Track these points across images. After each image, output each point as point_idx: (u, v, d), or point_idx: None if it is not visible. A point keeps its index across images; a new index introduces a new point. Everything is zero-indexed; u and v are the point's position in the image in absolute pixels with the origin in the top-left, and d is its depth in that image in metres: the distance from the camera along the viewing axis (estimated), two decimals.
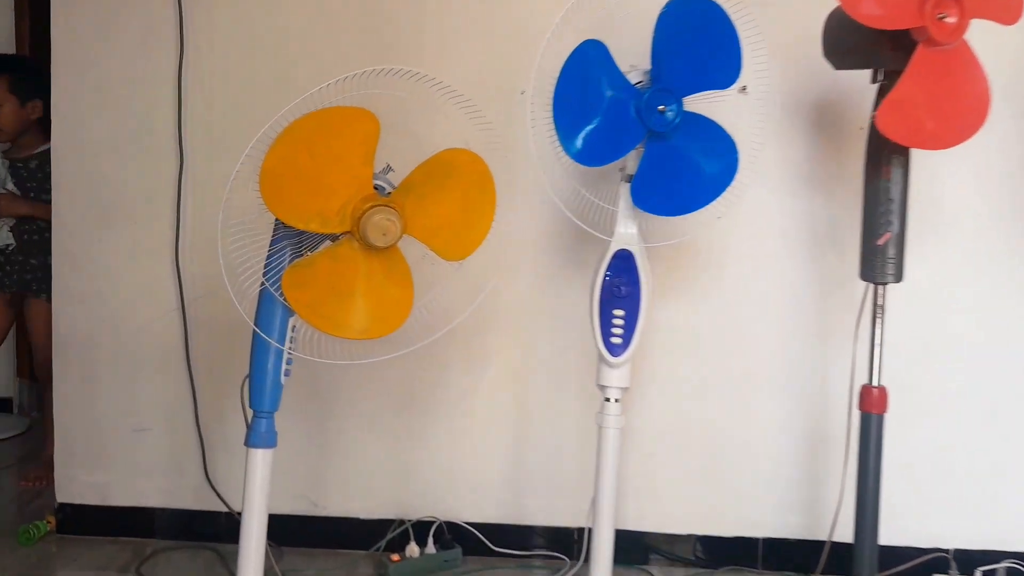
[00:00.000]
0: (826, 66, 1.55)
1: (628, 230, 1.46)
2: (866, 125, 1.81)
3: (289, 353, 1.25)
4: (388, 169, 1.29)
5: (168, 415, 1.96)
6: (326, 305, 1.22)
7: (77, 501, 1.99)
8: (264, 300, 1.23)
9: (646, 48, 1.39)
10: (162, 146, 1.91)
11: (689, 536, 1.93)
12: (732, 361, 1.88)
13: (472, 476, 1.94)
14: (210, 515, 1.96)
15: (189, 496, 1.97)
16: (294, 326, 1.27)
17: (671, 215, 1.44)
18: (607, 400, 1.45)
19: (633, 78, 1.38)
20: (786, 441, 1.89)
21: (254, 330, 1.22)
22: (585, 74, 1.31)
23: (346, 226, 1.20)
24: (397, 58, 1.28)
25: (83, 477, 1.98)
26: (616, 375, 1.43)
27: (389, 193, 1.26)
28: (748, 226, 1.83)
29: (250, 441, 1.26)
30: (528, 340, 1.91)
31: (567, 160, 1.37)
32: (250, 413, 1.28)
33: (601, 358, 1.43)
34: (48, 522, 1.98)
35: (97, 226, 1.94)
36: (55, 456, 1.99)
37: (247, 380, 1.27)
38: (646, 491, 1.90)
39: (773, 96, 1.43)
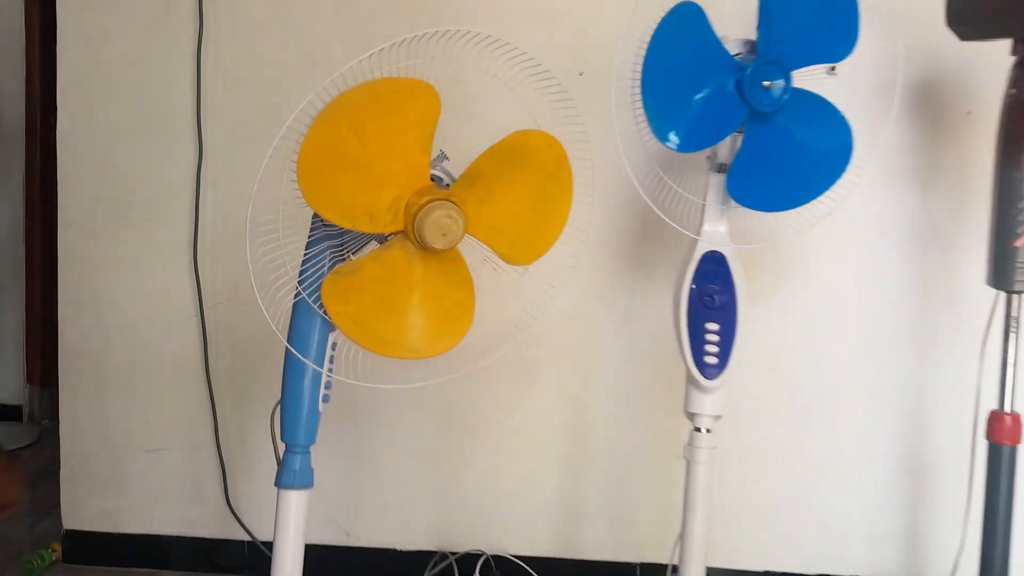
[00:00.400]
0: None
1: (718, 228, 1.25)
2: (974, 110, 1.61)
3: (329, 376, 1.04)
4: (443, 157, 1.08)
5: (186, 434, 1.77)
6: (374, 319, 1.02)
7: (85, 528, 1.80)
8: (300, 313, 1.03)
9: (743, 15, 1.18)
10: (179, 134, 1.72)
11: (764, 573, 1.71)
12: (817, 377, 1.67)
13: (523, 505, 1.73)
14: (232, 545, 1.77)
15: (209, 524, 1.78)
16: (334, 343, 1.06)
17: (773, 210, 1.22)
18: (697, 430, 1.23)
19: (731, 49, 1.16)
20: (880, 469, 1.67)
21: (287, 349, 1.01)
22: (680, 42, 1.10)
23: (399, 225, 0.99)
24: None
25: (92, 502, 1.80)
26: (709, 401, 1.21)
27: (448, 185, 1.05)
28: (837, 226, 1.61)
29: (282, 481, 1.06)
30: (585, 352, 1.70)
31: (652, 145, 1.16)
32: (281, 447, 1.08)
33: (691, 381, 1.21)
34: (53, 551, 1.79)
35: (107, 224, 1.75)
36: (61, 478, 1.81)
37: (278, 407, 1.07)
38: (717, 522, 1.68)
39: (896, 75, 1.21)
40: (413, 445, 1.73)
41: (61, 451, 1.80)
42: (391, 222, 0.99)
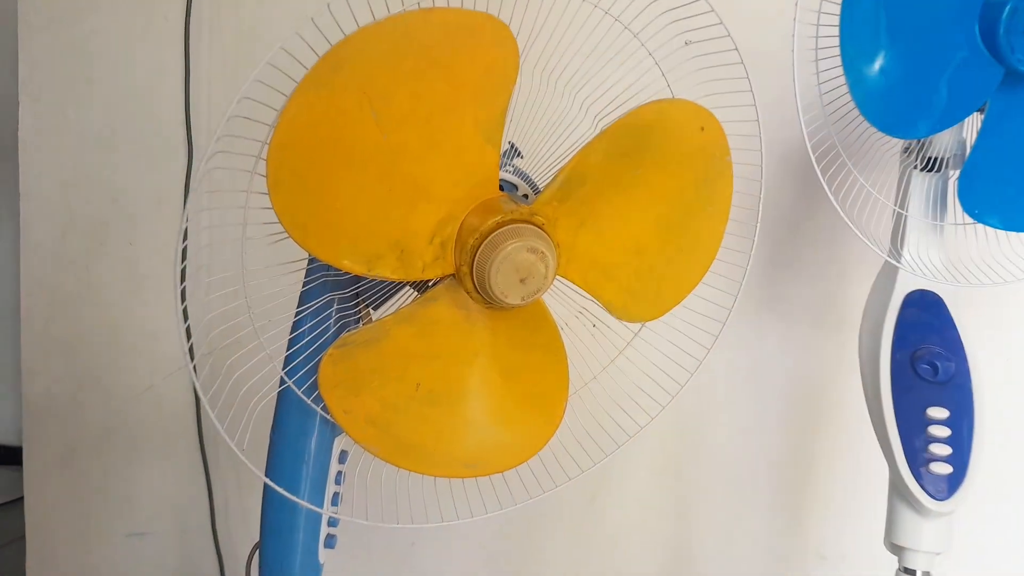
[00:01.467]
0: None
1: (929, 255, 0.82)
2: None
3: (334, 513, 0.64)
4: (514, 152, 0.67)
5: (176, 516, 1.40)
6: (406, 418, 0.62)
7: None
8: (287, 410, 0.63)
9: None
10: (167, 136, 1.35)
11: None
12: None
13: None
14: None
15: None
16: (344, 451, 0.66)
17: None
18: (908, 572, 0.79)
19: None
20: None
21: (264, 483, 0.61)
22: None
23: (447, 266, 0.58)
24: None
25: None
26: (931, 532, 0.77)
27: (526, 197, 0.64)
28: None
29: None
30: (693, 417, 1.28)
31: (841, 127, 0.74)
32: None
33: (902, 498, 0.78)
34: None
35: (81, 250, 1.39)
36: (27, 566, 1.44)
37: (255, 553, 0.67)
38: None
39: None
40: (463, 536, 1.33)
41: (27, 536, 1.44)
42: (434, 261, 0.58)
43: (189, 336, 0.67)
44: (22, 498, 2.33)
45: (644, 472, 1.29)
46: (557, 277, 0.63)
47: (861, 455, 1.21)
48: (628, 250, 0.65)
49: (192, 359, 0.65)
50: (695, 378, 1.23)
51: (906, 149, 0.83)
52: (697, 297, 0.74)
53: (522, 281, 0.57)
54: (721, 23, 0.64)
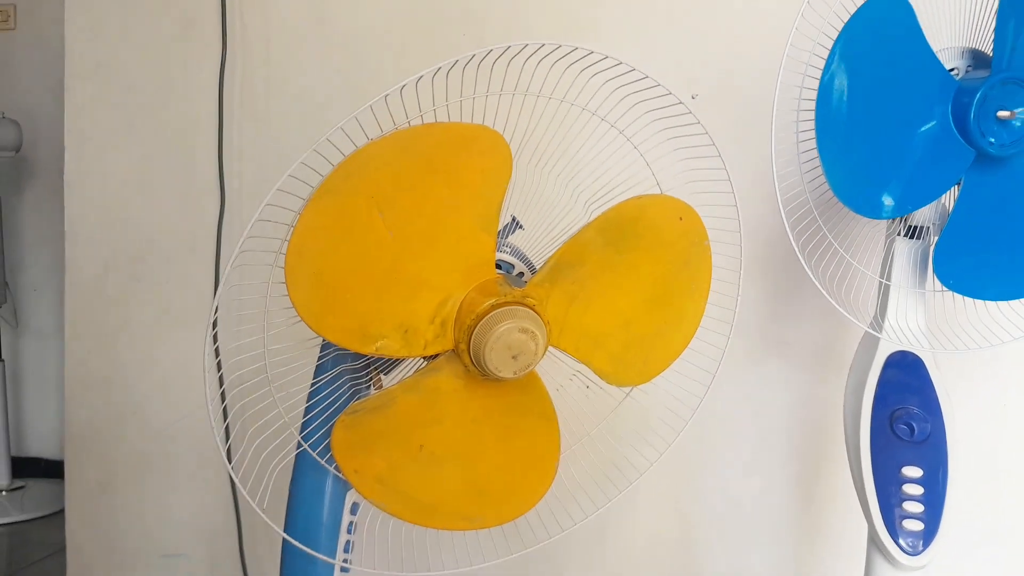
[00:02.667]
0: None
1: (912, 321, 0.86)
2: None
3: (346, 563, 0.71)
4: (514, 225, 0.73)
5: (207, 538, 1.47)
6: (409, 475, 0.68)
7: None
8: (304, 470, 0.69)
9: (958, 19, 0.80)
10: (201, 180, 1.43)
11: None
12: None
13: None
14: None
15: None
16: (355, 504, 0.73)
17: (1002, 299, 0.82)
18: None
19: (944, 62, 0.78)
20: None
21: (284, 538, 0.68)
22: (877, 52, 0.72)
23: (446, 342, 0.65)
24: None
25: None
26: None
27: (522, 276, 0.71)
28: None
29: None
30: (697, 455, 1.32)
31: (819, 190, 0.79)
32: None
33: (879, 552, 0.82)
34: None
35: (118, 288, 1.48)
36: None
37: None
38: None
39: None
40: (476, 571, 1.38)
41: (67, 553, 1.53)
42: (435, 339, 0.64)
43: (223, 401, 0.74)
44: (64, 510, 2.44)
45: (650, 507, 1.33)
46: (551, 347, 0.69)
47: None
48: (617, 324, 0.71)
49: (228, 438, 0.71)
50: (699, 417, 1.28)
51: (892, 221, 0.88)
52: (691, 351, 0.79)
53: (514, 358, 0.64)
54: (698, 122, 0.69)
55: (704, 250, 0.69)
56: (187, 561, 1.48)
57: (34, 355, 2.78)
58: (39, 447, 2.79)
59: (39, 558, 2.13)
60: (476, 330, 0.63)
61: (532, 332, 0.63)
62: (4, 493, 2.50)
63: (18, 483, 2.56)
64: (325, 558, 0.67)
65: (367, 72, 1.36)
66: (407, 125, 0.58)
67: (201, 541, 1.47)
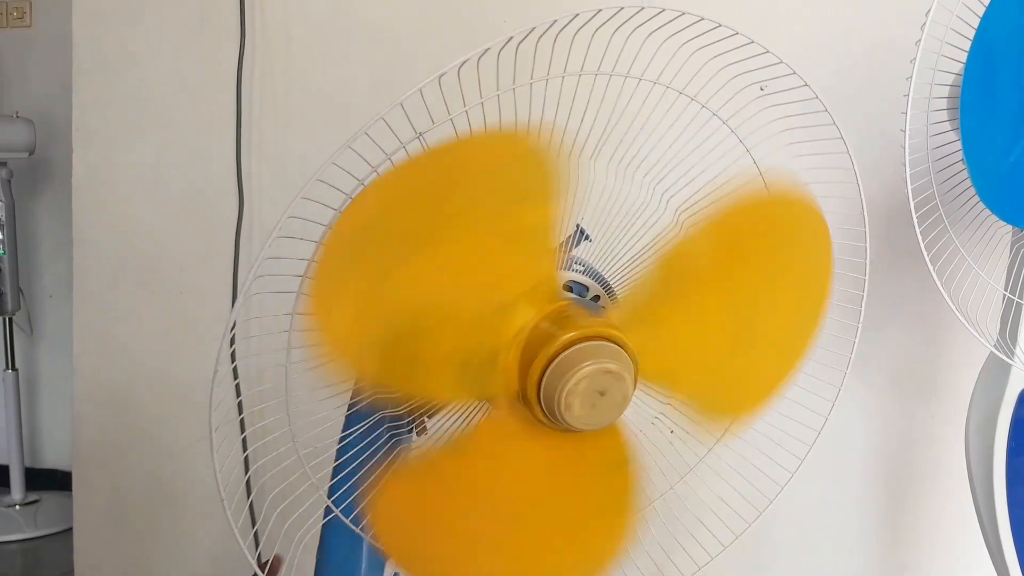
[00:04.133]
0: None
1: None
2: None
3: None
4: (581, 235, 0.60)
5: (220, 566, 1.37)
6: (464, 546, 0.55)
7: None
8: (334, 539, 0.57)
9: None
10: (217, 182, 1.32)
11: None
12: None
13: None
14: None
15: None
16: (396, 573, 0.60)
17: None
18: None
19: None
20: None
21: None
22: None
23: (509, 385, 0.52)
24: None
25: None
26: None
27: (597, 300, 0.58)
28: None
29: None
30: (764, 489, 1.19)
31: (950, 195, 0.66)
32: None
33: None
34: None
35: (130, 297, 1.37)
36: None
37: None
38: None
39: None
40: None
41: None
42: (493, 382, 0.52)
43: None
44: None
45: (715, 546, 1.20)
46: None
47: (951, 533, 1.11)
48: (718, 350, 0.58)
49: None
50: (770, 446, 1.15)
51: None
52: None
53: (594, 406, 0.51)
54: (826, 109, 0.56)
55: (826, 252, 0.56)
56: None
57: (49, 363, 2.70)
58: (54, 459, 2.70)
59: None
60: (548, 372, 0.50)
61: (620, 375, 0.50)
62: (18, 507, 2.42)
63: (32, 497, 2.47)
64: None
65: (394, 64, 1.24)
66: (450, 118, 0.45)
67: (215, 570, 1.37)
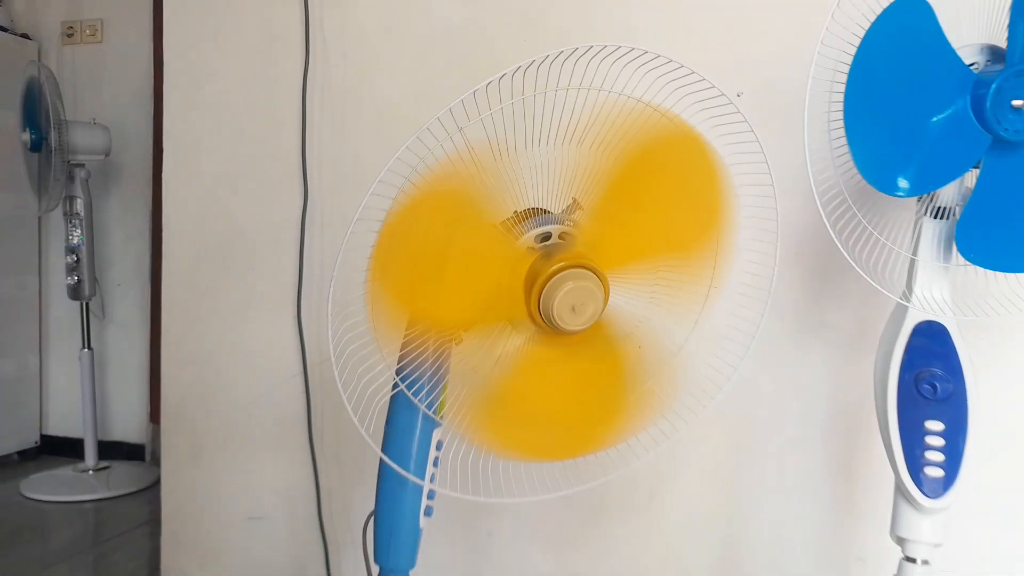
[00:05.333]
0: None
1: (937, 293, 0.95)
2: None
3: (432, 487, 0.83)
4: (575, 205, 0.84)
5: (287, 503, 1.61)
6: (499, 419, 0.79)
7: None
8: (398, 410, 0.81)
9: (977, 19, 0.89)
10: (284, 176, 1.58)
11: None
12: None
13: None
14: None
15: None
16: (440, 442, 0.85)
17: (1019, 271, 0.91)
18: (910, 560, 0.93)
19: (964, 58, 0.87)
20: None
21: (381, 458, 0.80)
22: (900, 50, 0.82)
23: (522, 309, 0.76)
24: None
25: (193, 572, 1.67)
26: (929, 525, 0.91)
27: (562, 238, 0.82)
28: None
29: None
30: (743, 430, 1.41)
31: (849, 179, 0.89)
32: (375, 568, 0.87)
33: (903, 496, 0.91)
34: None
35: (210, 274, 1.63)
36: (162, 543, 1.69)
37: (370, 520, 0.86)
38: None
39: None
40: (534, 529, 1.49)
41: (162, 515, 1.69)
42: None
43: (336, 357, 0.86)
44: (146, 488, 2.64)
45: (697, 478, 1.43)
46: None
47: None
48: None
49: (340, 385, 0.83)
50: (745, 394, 1.37)
51: (918, 199, 0.97)
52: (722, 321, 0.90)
53: (574, 309, 0.75)
54: (739, 111, 0.80)
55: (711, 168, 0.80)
56: (269, 523, 1.62)
57: (117, 346, 2.98)
58: (122, 431, 2.99)
59: (126, 530, 2.31)
60: (543, 294, 0.74)
61: (590, 288, 0.74)
62: (92, 473, 2.70)
63: (104, 464, 2.76)
64: (417, 479, 0.80)
65: (434, 76, 1.48)
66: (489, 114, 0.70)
67: (282, 505, 1.61)
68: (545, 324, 0.76)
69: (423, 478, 0.81)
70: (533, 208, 0.82)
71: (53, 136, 2.45)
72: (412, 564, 0.85)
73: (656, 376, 0.86)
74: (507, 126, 0.76)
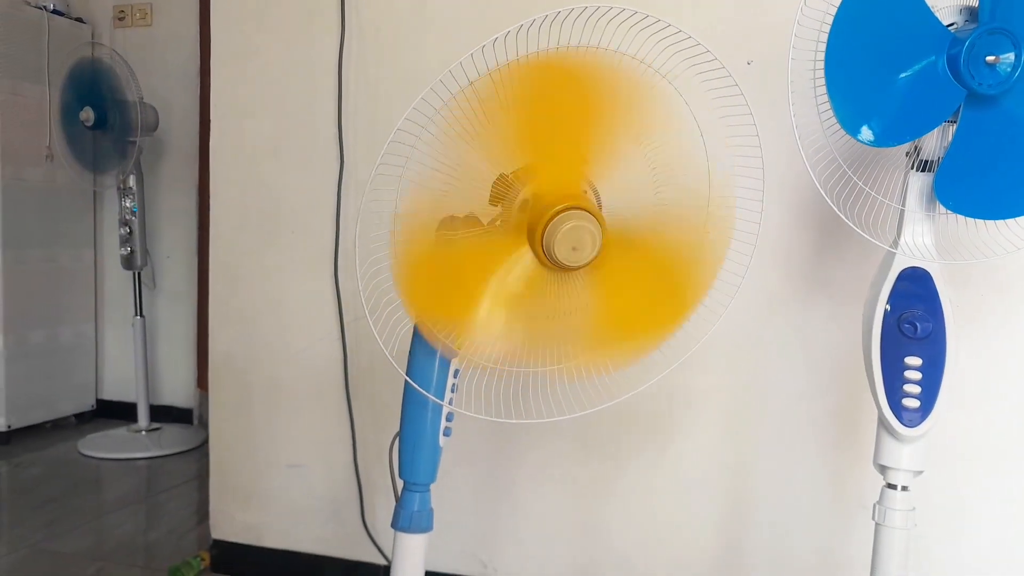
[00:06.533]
0: None
1: (921, 240, 1.02)
2: None
3: (451, 408, 0.93)
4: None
5: (324, 451, 1.73)
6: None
7: (231, 539, 1.81)
8: (419, 340, 0.91)
9: None
10: (321, 145, 1.68)
11: None
12: None
13: (673, 551, 1.54)
14: (368, 568, 1.71)
15: (346, 545, 1.72)
16: (456, 371, 0.95)
17: (993, 218, 0.97)
18: (891, 487, 1.00)
19: (943, 19, 0.94)
20: None
21: (406, 380, 0.90)
22: (876, 10, 0.89)
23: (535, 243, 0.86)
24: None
25: (238, 514, 1.80)
26: (907, 453, 0.98)
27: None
28: None
29: (399, 523, 0.95)
30: (750, 382, 1.49)
31: (838, 139, 0.96)
32: (399, 484, 0.97)
33: (885, 428, 0.99)
34: (202, 559, 1.81)
35: (253, 238, 1.75)
36: (210, 488, 1.82)
37: (396, 440, 0.96)
38: None
39: None
40: (555, 476, 1.59)
41: (210, 462, 1.82)
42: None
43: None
44: (194, 448, 2.80)
45: (708, 429, 1.51)
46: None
47: None
48: None
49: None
50: (754, 349, 1.44)
51: (906, 154, 1.04)
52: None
53: (574, 249, 0.84)
54: (730, 75, 0.88)
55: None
56: (309, 470, 1.74)
57: (166, 314, 3.15)
58: (171, 396, 3.16)
59: (177, 484, 2.47)
60: (547, 232, 0.83)
61: (588, 228, 0.83)
62: (144, 433, 2.87)
63: (155, 425, 2.93)
64: (437, 399, 0.90)
65: (459, 51, 1.56)
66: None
67: (321, 453, 1.73)
68: (547, 259, 0.85)
69: (443, 397, 0.91)
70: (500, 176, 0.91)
71: (114, 115, 2.60)
72: (432, 479, 0.96)
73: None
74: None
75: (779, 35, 1.43)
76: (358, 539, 1.70)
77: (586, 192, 0.91)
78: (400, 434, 0.95)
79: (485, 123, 0.81)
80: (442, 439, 0.94)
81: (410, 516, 0.94)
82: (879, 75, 0.89)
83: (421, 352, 0.92)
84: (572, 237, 0.82)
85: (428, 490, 0.96)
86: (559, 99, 0.84)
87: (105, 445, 2.78)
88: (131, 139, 2.68)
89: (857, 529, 1.43)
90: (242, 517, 1.79)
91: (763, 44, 1.42)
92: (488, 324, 0.85)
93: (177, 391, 3.15)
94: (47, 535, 2.02)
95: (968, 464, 1.35)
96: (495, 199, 0.89)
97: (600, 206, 0.92)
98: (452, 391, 0.94)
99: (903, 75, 0.90)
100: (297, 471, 1.75)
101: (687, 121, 0.93)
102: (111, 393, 3.20)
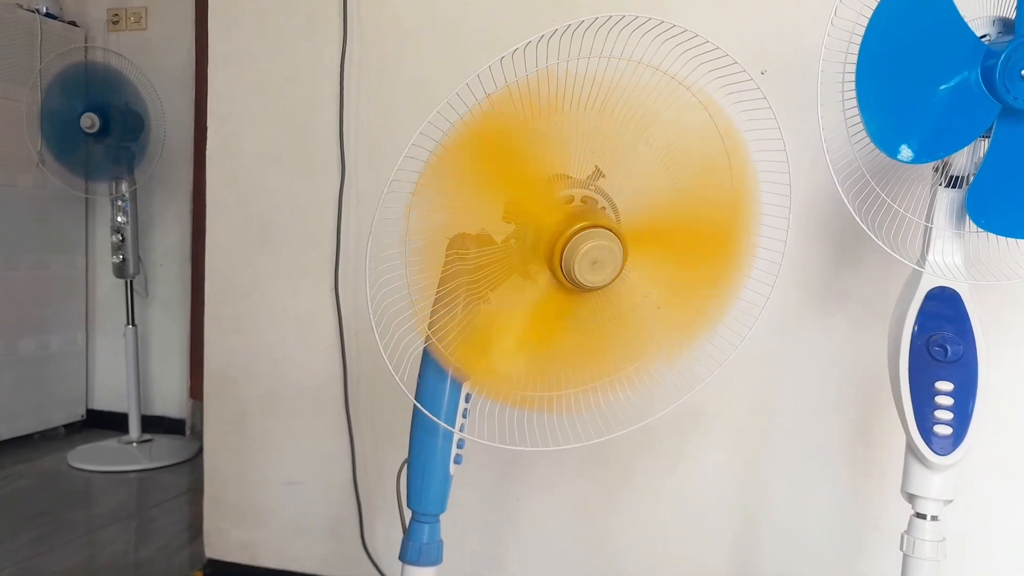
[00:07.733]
0: None
1: (951, 259, 0.98)
2: None
3: (461, 435, 0.88)
4: (598, 173, 0.89)
5: (323, 469, 1.68)
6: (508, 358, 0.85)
7: (226, 559, 1.75)
8: (429, 363, 0.87)
9: None
10: (322, 152, 1.64)
11: None
12: None
13: (683, 570, 1.50)
14: None
15: (344, 564, 1.67)
16: (468, 395, 0.90)
17: None
18: (920, 516, 0.96)
19: (975, 30, 0.90)
20: None
21: (415, 405, 0.86)
22: (909, 23, 0.85)
23: (550, 262, 0.82)
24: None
25: (232, 532, 1.75)
26: (939, 482, 0.94)
27: (604, 210, 0.87)
28: None
29: (407, 555, 0.90)
30: (764, 400, 1.45)
31: (864, 152, 0.92)
32: (407, 513, 0.93)
33: (914, 455, 0.95)
34: None
35: (251, 247, 1.70)
36: (204, 504, 1.77)
37: (404, 468, 0.92)
38: None
39: None
40: (561, 496, 1.54)
41: (204, 477, 1.77)
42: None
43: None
44: (186, 460, 2.74)
45: (720, 446, 1.47)
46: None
47: None
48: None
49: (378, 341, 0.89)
50: (770, 366, 1.40)
51: (935, 169, 1.00)
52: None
53: (595, 263, 0.80)
54: (754, 82, 0.84)
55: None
56: (306, 487, 1.69)
57: (159, 323, 3.09)
58: (163, 406, 3.10)
59: (169, 498, 2.42)
60: (566, 250, 0.79)
61: (610, 247, 0.79)
62: (135, 445, 2.81)
63: (146, 437, 2.87)
64: (447, 426, 0.85)
65: (464, 58, 1.54)
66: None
67: (319, 470, 1.68)
68: (565, 278, 0.81)
69: (453, 424, 0.86)
70: (558, 174, 0.87)
71: (116, 121, 2.55)
72: (442, 509, 0.91)
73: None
74: (532, 93, 0.81)
75: (792, 45, 1.40)
76: (357, 559, 1.66)
77: (586, 199, 0.87)
78: (408, 461, 0.90)
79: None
80: (452, 467, 0.90)
81: (419, 548, 0.90)
82: (914, 90, 0.85)
83: (431, 375, 0.87)
84: (591, 256, 0.78)
85: (438, 520, 0.91)
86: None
87: (95, 457, 2.72)
88: (126, 145, 2.63)
89: (870, 549, 1.39)
90: (237, 535, 1.74)
91: (779, 51, 1.38)
92: (511, 357, 0.81)
93: (169, 401, 3.10)
94: (34, 552, 1.96)
95: (995, 488, 1.31)
96: (508, 216, 0.85)
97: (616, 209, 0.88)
98: (464, 416, 0.89)
99: (940, 88, 0.86)
100: (294, 489, 1.70)
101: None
102: (102, 403, 3.14)
